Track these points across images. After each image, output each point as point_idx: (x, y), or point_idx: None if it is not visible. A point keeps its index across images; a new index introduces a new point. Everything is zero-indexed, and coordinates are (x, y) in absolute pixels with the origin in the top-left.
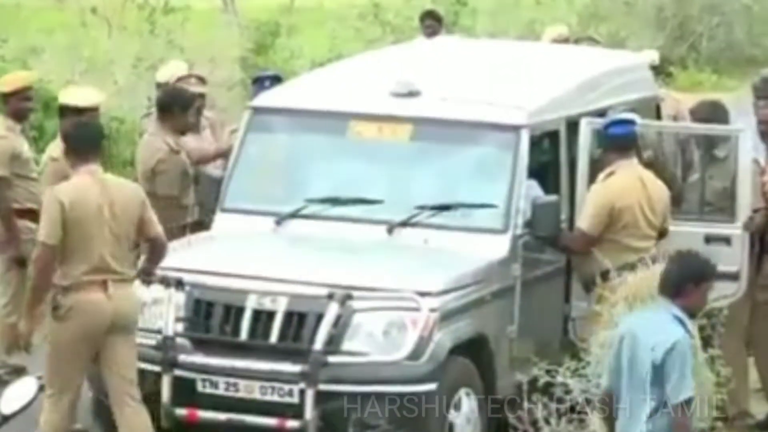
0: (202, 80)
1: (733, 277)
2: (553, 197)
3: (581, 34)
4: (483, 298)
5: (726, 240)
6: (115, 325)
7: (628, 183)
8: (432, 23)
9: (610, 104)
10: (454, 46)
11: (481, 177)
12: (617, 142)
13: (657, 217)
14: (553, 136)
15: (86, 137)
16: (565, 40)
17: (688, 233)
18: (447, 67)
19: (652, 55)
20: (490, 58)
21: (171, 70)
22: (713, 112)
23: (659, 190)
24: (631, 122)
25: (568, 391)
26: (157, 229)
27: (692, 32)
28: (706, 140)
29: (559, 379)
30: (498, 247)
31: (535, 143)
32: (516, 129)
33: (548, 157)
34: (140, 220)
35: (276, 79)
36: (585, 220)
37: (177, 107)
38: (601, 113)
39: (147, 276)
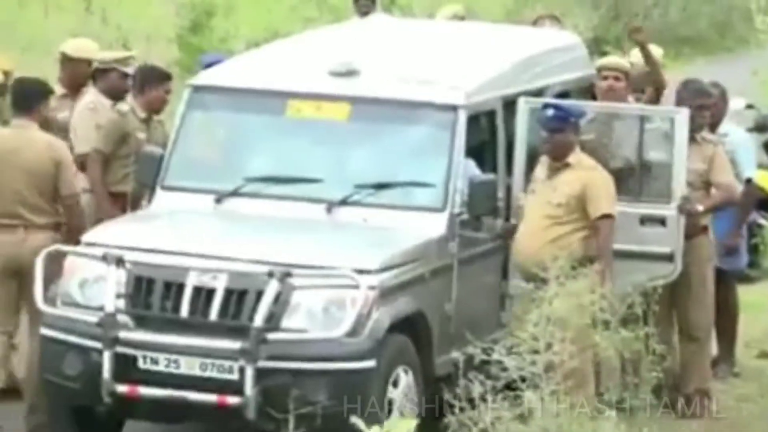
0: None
1: (668, 258)
2: (489, 176)
3: (544, 12)
4: (421, 276)
5: (661, 221)
6: (23, 267)
7: None
8: (366, 2)
9: (547, 84)
10: (393, 25)
11: (420, 156)
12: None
13: None
14: (491, 115)
15: (20, 94)
16: (461, 19)
17: (623, 214)
18: (385, 47)
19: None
20: (427, 38)
21: (82, 46)
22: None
23: None
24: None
25: (504, 369)
26: (68, 190)
27: (628, 12)
28: (642, 120)
29: (495, 356)
30: (436, 225)
31: (472, 123)
32: (453, 108)
33: (485, 136)
34: (54, 177)
35: None
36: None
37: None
38: (538, 93)
39: (68, 236)
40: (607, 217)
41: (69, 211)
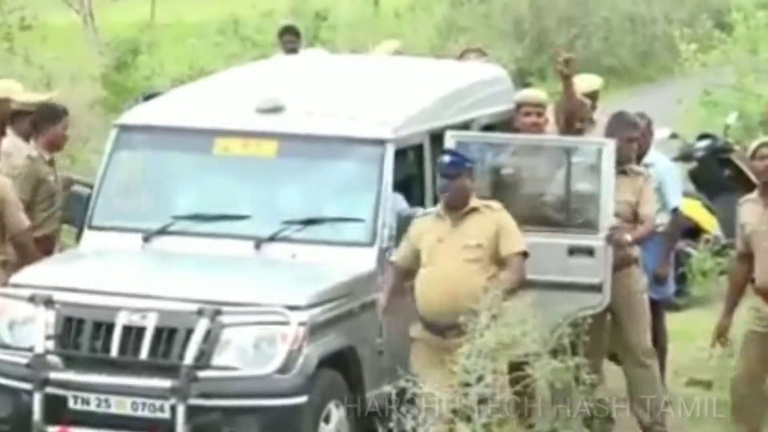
0: None
1: (597, 288)
2: (417, 209)
3: (469, 46)
4: (351, 311)
5: (589, 251)
6: None
7: None
8: (291, 38)
9: (474, 117)
10: (317, 61)
11: (348, 191)
12: None
13: None
14: (418, 149)
15: None
16: (399, 54)
17: (551, 245)
18: (311, 83)
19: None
20: (353, 73)
21: (5, 86)
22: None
23: None
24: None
25: (435, 402)
26: (16, 228)
27: (550, 43)
28: (568, 152)
29: (426, 389)
30: (365, 260)
31: (399, 157)
32: (381, 143)
33: (413, 170)
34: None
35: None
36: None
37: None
38: (464, 126)
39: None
40: (523, 254)
41: (20, 249)
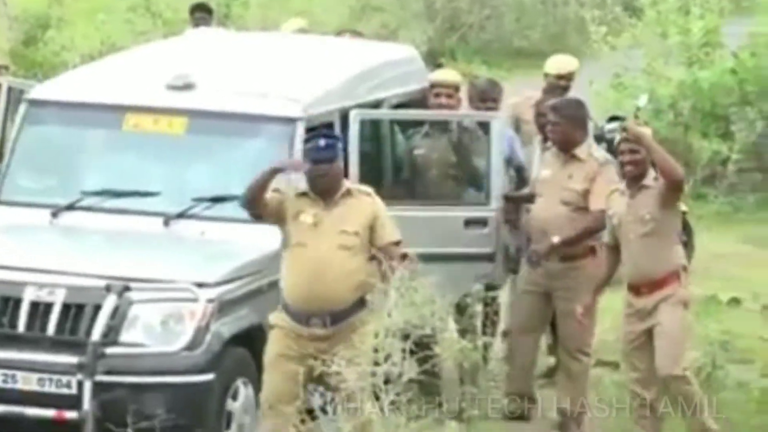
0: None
1: (489, 258)
2: None
3: (344, 27)
4: (260, 289)
5: (483, 222)
6: None
7: None
8: (202, 15)
9: (385, 96)
10: (229, 38)
11: (258, 169)
12: None
13: None
14: (328, 128)
15: None
16: (304, 32)
17: (448, 218)
18: (222, 60)
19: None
20: (264, 50)
21: None
22: (491, 90)
23: None
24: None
25: (343, 380)
26: None
27: (462, 24)
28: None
29: (335, 368)
30: (274, 237)
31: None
32: (291, 121)
33: None
34: None
35: None
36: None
37: None
38: (375, 105)
39: None
40: (399, 243)
41: None
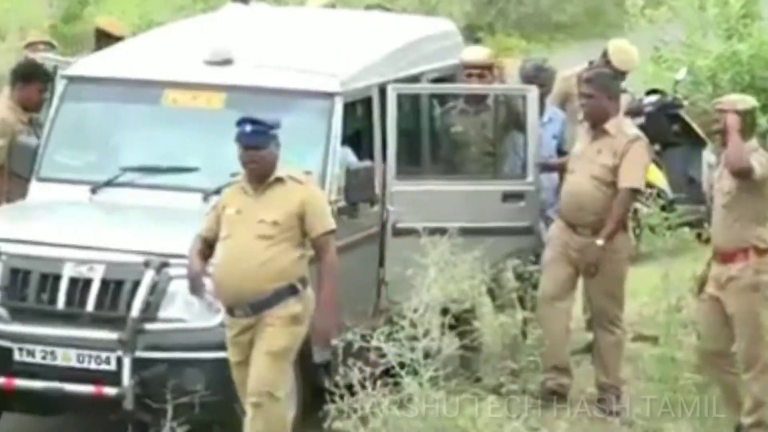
0: (51, 46)
1: (528, 231)
2: (366, 163)
3: (371, 2)
4: None
5: (520, 196)
6: None
7: None
8: None
9: (423, 71)
10: (267, 13)
11: (296, 144)
12: None
13: None
14: (367, 103)
15: None
16: (333, 7)
17: (486, 192)
18: (260, 35)
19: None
20: (302, 26)
21: None
22: (537, 75)
23: None
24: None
25: (382, 355)
26: None
27: None
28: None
29: (374, 343)
30: None
31: (348, 110)
32: (330, 96)
33: (362, 123)
34: None
35: None
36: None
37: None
38: (414, 79)
39: None
40: (332, 232)
41: None
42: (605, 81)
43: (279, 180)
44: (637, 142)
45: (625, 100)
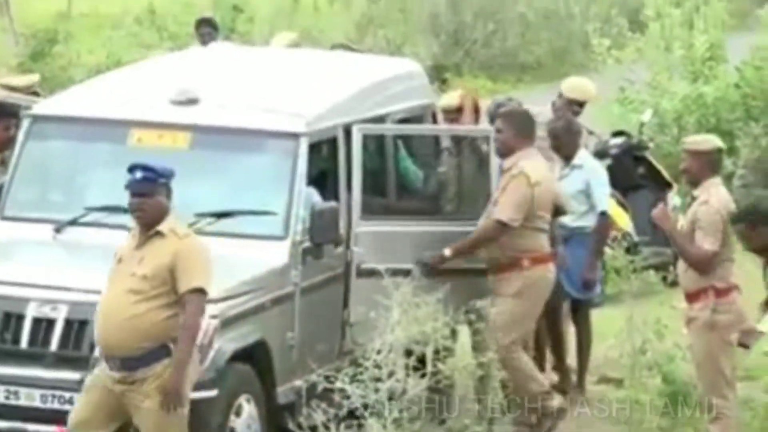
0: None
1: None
2: (331, 204)
3: (336, 42)
4: (263, 305)
5: None
6: None
7: None
8: (208, 30)
9: (388, 111)
10: (232, 53)
11: (261, 184)
12: None
13: None
14: (332, 143)
15: None
16: (297, 46)
17: (448, 233)
18: (225, 75)
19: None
20: (268, 66)
21: None
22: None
23: None
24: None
25: (347, 397)
26: None
27: (467, 39)
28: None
29: (338, 384)
30: (277, 253)
31: (313, 150)
32: (295, 136)
33: (327, 164)
34: None
35: None
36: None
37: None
38: (379, 120)
39: None
40: (199, 291)
41: None
42: (516, 118)
43: (159, 233)
44: (516, 177)
45: (591, 142)
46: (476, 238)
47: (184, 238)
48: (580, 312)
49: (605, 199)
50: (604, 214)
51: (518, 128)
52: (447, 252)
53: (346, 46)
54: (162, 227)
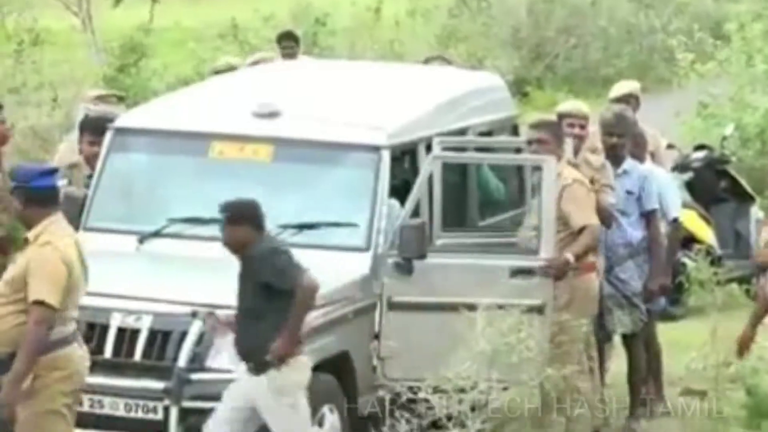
0: (120, 99)
1: (539, 310)
2: (419, 220)
3: (431, 53)
4: (346, 316)
5: (530, 272)
6: None
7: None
8: (290, 44)
9: (469, 125)
10: (315, 66)
11: (343, 196)
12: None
13: None
14: (413, 156)
15: None
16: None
17: (492, 266)
18: (308, 88)
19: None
20: (350, 79)
21: None
22: (617, 124)
23: None
24: (55, 172)
25: (430, 408)
26: None
27: (548, 53)
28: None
29: (421, 395)
30: (360, 265)
31: (396, 163)
32: (376, 149)
33: (408, 176)
34: None
35: None
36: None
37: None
38: (460, 133)
39: None
40: (40, 303)
41: None
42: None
43: (26, 240)
44: (574, 184)
45: (672, 156)
46: (588, 244)
47: (41, 246)
48: (647, 321)
49: (677, 207)
50: (675, 222)
51: (559, 138)
52: (570, 257)
53: (442, 59)
54: (30, 233)
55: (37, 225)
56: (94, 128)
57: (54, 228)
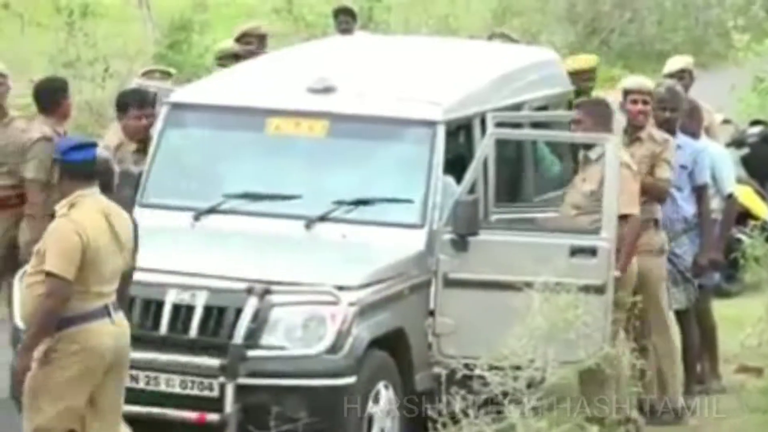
0: (168, 74)
1: (599, 290)
2: (473, 195)
3: (495, 29)
4: (401, 292)
5: (592, 252)
6: None
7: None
8: (346, 19)
9: (524, 100)
10: (370, 42)
11: (398, 172)
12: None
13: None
14: (468, 131)
15: None
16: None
17: (551, 245)
18: (363, 63)
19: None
20: (405, 54)
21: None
22: (671, 99)
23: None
24: (91, 146)
25: (485, 384)
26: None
27: (604, 28)
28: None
29: (477, 372)
30: (415, 241)
31: (450, 138)
32: (432, 124)
33: (464, 152)
34: None
35: None
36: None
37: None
38: (515, 108)
39: None
40: (49, 275)
41: None
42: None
43: (52, 215)
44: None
45: (727, 131)
46: (631, 242)
47: (58, 219)
48: (700, 297)
49: (731, 182)
50: (730, 197)
51: (598, 118)
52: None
53: (506, 36)
54: (57, 206)
55: (68, 197)
56: (140, 102)
57: (82, 201)
